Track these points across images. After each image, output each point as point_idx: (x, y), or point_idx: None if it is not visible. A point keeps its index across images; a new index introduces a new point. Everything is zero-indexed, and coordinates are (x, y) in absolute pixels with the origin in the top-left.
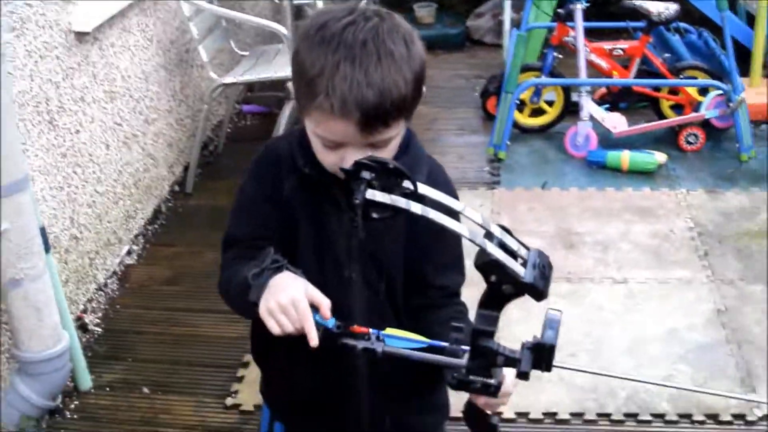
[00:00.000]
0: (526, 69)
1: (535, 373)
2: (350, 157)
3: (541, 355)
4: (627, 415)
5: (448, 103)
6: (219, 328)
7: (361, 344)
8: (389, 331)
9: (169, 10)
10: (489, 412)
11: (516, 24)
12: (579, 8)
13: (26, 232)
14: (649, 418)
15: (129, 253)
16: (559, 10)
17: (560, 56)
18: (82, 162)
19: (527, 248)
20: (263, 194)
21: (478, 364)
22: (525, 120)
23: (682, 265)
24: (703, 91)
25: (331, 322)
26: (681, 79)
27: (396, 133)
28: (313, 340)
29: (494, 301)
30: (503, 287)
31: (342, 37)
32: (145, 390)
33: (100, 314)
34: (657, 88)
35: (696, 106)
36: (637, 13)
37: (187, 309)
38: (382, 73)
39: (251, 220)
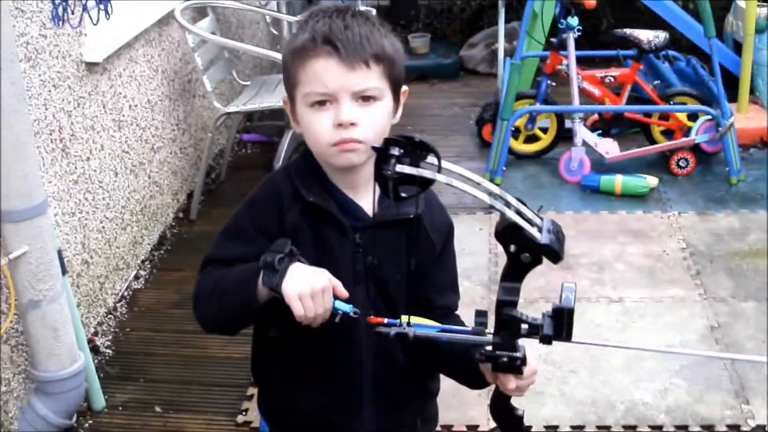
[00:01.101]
0: (520, 97)
1: (535, 388)
2: (344, 110)
3: (560, 321)
4: (626, 427)
5: (444, 131)
6: (227, 349)
7: (393, 330)
8: (414, 319)
9: (173, 41)
10: (519, 395)
11: (509, 53)
12: (571, 37)
13: (45, 254)
14: (647, 430)
15: (137, 277)
16: (552, 40)
17: (553, 84)
18: (93, 189)
19: (540, 217)
20: (258, 225)
21: (504, 335)
22: (520, 146)
23: (676, 283)
24: (693, 116)
25: (349, 308)
26: (671, 105)
27: (380, 89)
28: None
29: (514, 273)
30: (522, 256)
31: (321, 12)
32: (158, 409)
33: (110, 337)
34: (648, 114)
35: (686, 131)
36: (628, 42)
37: (195, 331)
38: (358, 23)
39: (239, 246)
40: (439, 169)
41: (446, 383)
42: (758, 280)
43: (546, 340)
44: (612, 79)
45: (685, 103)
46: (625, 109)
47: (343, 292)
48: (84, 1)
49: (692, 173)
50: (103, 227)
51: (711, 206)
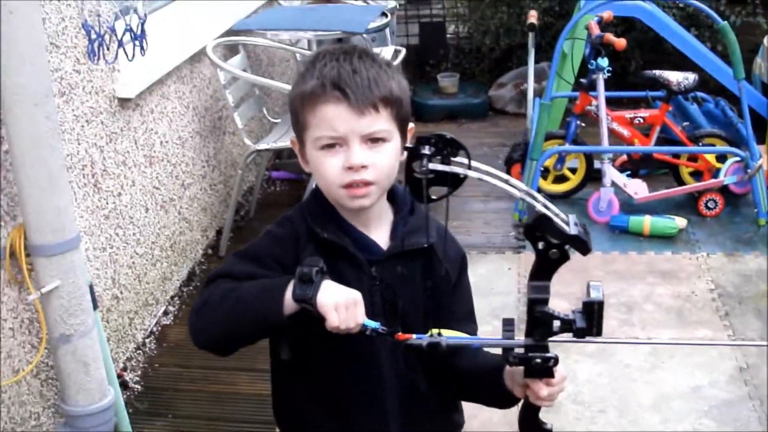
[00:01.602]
0: (549, 137)
1: (564, 427)
2: (354, 153)
3: (591, 315)
4: None
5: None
6: (255, 386)
7: (426, 340)
8: (443, 332)
9: (203, 78)
10: (549, 404)
11: (539, 93)
12: (601, 78)
13: (76, 289)
14: None
15: (165, 313)
16: (582, 80)
17: (583, 124)
18: (123, 224)
19: (566, 215)
20: (274, 255)
21: (537, 335)
22: (549, 186)
23: (705, 324)
24: (722, 158)
25: (377, 325)
26: (700, 146)
27: (388, 131)
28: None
29: (543, 271)
30: (550, 252)
31: (328, 54)
32: None
33: (139, 372)
34: (677, 155)
35: (715, 173)
36: (657, 83)
37: (223, 368)
38: (367, 65)
39: (253, 267)
40: (470, 166)
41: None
42: None
43: (579, 333)
44: (641, 120)
45: (713, 145)
46: (654, 150)
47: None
48: (120, 37)
49: (720, 214)
50: (133, 263)
51: (739, 247)
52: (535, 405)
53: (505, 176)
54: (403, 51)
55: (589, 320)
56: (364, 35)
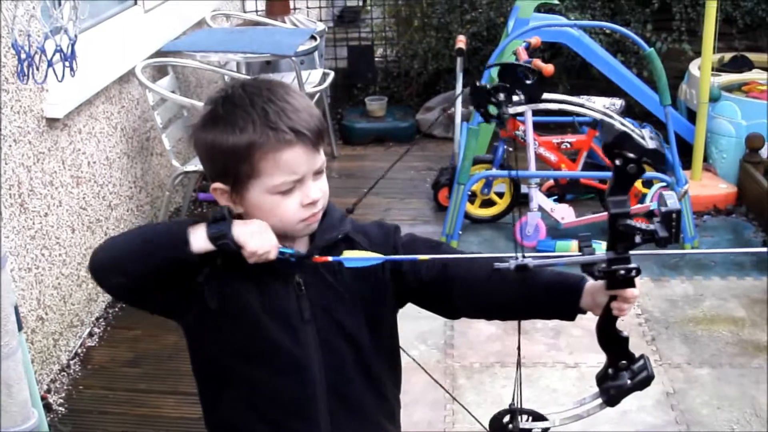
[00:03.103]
0: (477, 161)
1: None
2: (312, 189)
3: (670, 223)
4: None
5: (400, 194)
6: (181, 409)
7: (512, 263)
8: (346, 253)
9: (132, 99)
10: (623, 315)
11: (466, 118)
12: None
13: (2, 309)
14: None
15: (90, 335)
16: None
17: (510, 149)
18: (50, 245)
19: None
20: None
21: (620, 248)
22: (476, 211)
23: (632, 349)
24: (648, 183)
25: (292, 251)
26: None
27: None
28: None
29: (621, 185)
30: (628, 167)
31: (247, 94)
32: None
33: (63, 394)
34: (603, 181)
35: (641, 198)
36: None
37: (148, 390)
38: (297, 99)
39: None
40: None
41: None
42: (712, 346)
43: (662, 242)
44: (568, 145)
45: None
46: (580, 175)
47: None
48: (50, 58)
49: None
50: (59, 283)
51: (666, 272)
52: (614, 318)
53: (580, 101)
54: (332, 74)
55: (668, 229)
56: (293, 58)
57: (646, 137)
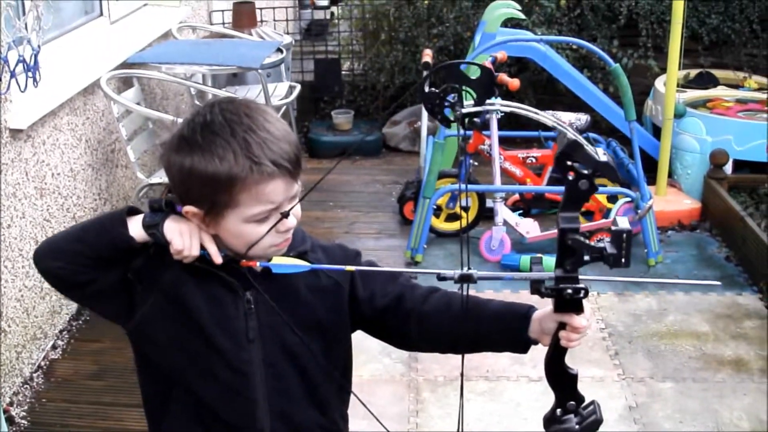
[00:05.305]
0: (442, 175)
1: None
2: (289, 219)
3: (620, 243)
4: None
5: (366, 207)
6: (144, 423)
7: (457, 273)
8: (275, 260)
9: (97, 110)
10: (575, 343)
11: (432, 132)
12: (494, 118)
13: None
14: None
15: (54, 347)
16: (475, 119)
17: (476, 163)
18: (12, 257)
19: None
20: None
21: (569, 264)
22: (441, 225)
23: (595, 363)
24: (612, 198)
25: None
26: None
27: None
28: (217, 257)
29: (573, 202)
30: (580, 183)
31: (227, 122)
32: None
33: (26, 407)
34: None
35: (605, 213)
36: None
37: (112, 403)
38: (276, 126)
39: None
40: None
41: None
42: (675, 360)
43: (610, 260)
44: (533, 160)
45: (604, 185)
46: (545, 189)
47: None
48: (12, 68)
49: None
50: (22, 296)
51: (630, 287)
52: (562, 350)
53: (549, 115)
54: (298, 87)
55: (618, 248)
56: (259, 70)
57: (600, 152)
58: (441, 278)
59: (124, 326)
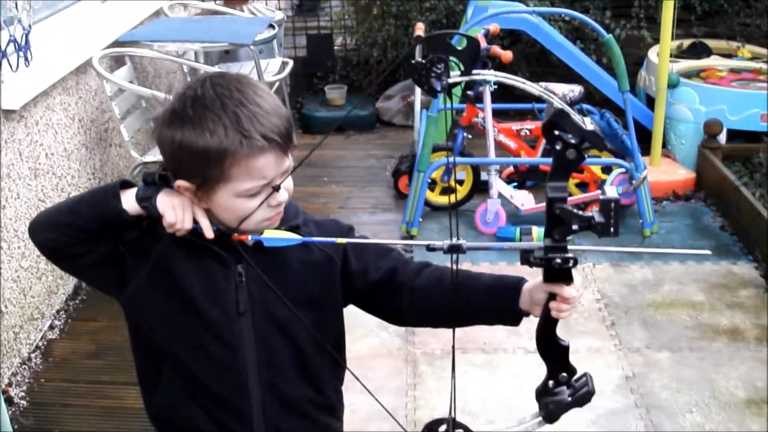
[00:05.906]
0: (436, 149)
1: None
2: (281, 193)
3: (608, 212)
4: None
5: (361, 182)
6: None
7: (446, 244)
8: (267, 233)
9: (89, 89)
10: (566, 314)
11: (426, 105)
12: (488, 90)
13: None
14: None
15: (51, 327)
16: (469, 92)
17: (470, 136)
18: (8, 237)
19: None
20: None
21: (557, 233)
22: (436, 198)
23: (591, 334)
24: (607, 169)
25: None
26: (585, 157)
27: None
28: (209, 231)
29: (560, 171)
30: (567, 152)
31: (218, 96)
32: None
33: (24, 387)
34: None
35: (600, 184)
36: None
37: (111, 382)
38: (267, 100)
39: None
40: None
41: None
42: (671, 330)
43: (599, 229)
44: (527, 132)
45: (599, 156)
46: (540, 161)
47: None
48: (3, 48)
49: None
50: (18, 276)
51: (625, 258)
52: (553, 321)
53: (540, 87)
54: (291, 63)
55: (607, 217)
56: (252, 47)
57: (587, 120)
58: (430, 249)
59: (117, 298)
